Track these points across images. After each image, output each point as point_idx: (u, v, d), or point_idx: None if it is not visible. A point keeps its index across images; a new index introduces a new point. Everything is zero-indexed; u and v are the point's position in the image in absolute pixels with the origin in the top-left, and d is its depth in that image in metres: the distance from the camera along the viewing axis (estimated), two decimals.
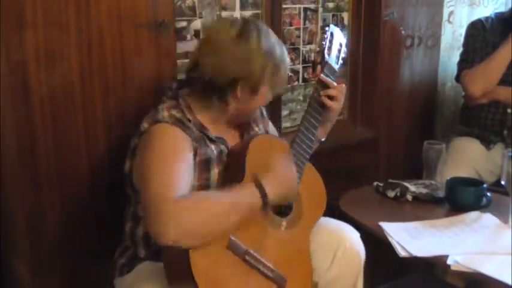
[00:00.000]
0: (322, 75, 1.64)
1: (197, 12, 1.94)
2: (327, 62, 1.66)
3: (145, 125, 1.48)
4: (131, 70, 1.70)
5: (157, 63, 1.76)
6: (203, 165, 1.48)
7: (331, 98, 1.63)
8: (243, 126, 1.66)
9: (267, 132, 1.74)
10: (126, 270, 1.55)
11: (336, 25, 2.39)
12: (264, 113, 1.77)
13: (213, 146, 1.51)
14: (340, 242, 1.63)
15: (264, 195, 1.40)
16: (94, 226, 1.70)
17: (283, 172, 1.47)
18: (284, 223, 1.53)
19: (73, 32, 1.57)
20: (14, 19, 1.48)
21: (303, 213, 1.58)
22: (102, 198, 1.71)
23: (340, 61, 1.73)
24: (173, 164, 1.38)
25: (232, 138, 1.60)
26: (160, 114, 1.47)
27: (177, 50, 1.85)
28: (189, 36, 1.94)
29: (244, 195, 1.39)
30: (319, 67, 1.70)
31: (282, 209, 1.54)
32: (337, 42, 1.72)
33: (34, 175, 1.58)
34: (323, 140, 1.76)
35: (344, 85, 1.68)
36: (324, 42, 1.68)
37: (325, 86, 1.63)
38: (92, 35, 1.61)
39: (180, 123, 1.46)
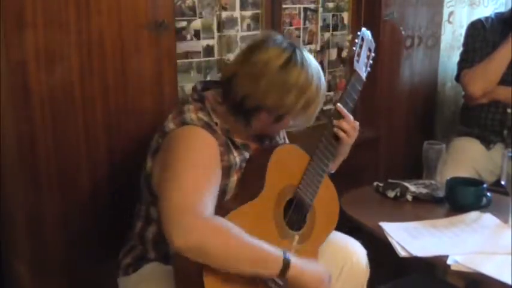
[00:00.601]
0: (339, 104, 1.59)
1: (197, 12, 1.94)
2: (355, 71, 1.62)
3: (171, 125, 1.44)
4: (131, 70, 1.70)
5: (157, 63, 1.76)
6: (224, 172, 1.44)
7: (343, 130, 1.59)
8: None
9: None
10: (131, 269, 1.54)
11: (336, 25, 2.40)
12: None
13: (235, 153, 1.49)
14: (347, 258, 1.62)
15: (285, 267, 1.32)
16: (94, 226, 1.70)
17: (314, 269, 1.41)
18: (297, 237, 1.52)
19: (73, 32, 1.57)
20: (14, 19, 1.48)
21: (315, 227, 1.57)
22: (102, 198, 1.71)
23: (368, 69, 1.68)
24: (203, 172, 1.35)
25: (255, 146, 1.58)
26: (187, 115, 1.43)
27: (177, 50, 1.85)
28: (189, 36, 1.94)
29: (268, 254, 1.32)
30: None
31: (296, 223, 1.53)
32: (367, 48, 1.66)
33: (34, 175, 1.58)
34: (332, 172, 1.74)
35: (357, 123, 1.63)
36: (354, 48, 1.61)
37: (340, 116, 1.59)
38: (92, 35, 1.61)
39: (208, 126, 1.43)
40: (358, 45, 1.63)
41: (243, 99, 1.45)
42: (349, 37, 1.63)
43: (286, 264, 1.32)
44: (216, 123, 1.46)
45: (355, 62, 1.62)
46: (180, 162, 1.35)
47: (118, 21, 1.65)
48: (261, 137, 1.61)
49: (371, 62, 1.70)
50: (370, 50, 1.69)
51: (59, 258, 1.66)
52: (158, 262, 1.52)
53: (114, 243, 1.63)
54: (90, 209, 1.69)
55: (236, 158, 1.49)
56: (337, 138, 1.60)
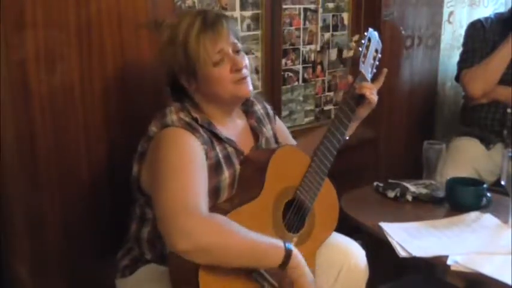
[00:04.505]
0: (361, 68, 1.58)
1: None
2: (360, 72, 1.59)
3: (154, 129, 1.44)
4: (131, 70, 1.70)
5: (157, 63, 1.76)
6: (213, 169, 1.45)
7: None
8: (254, 126, 1.64)
9: (274, 134, 1.71)
10: (128, 271, 1.54)
11: (336, 25, 2.40)
12: (270, 112, 1.73)
13: (218, 148, 1.48)
14: (345, 259, 1.61)
15: (287, 257, 1.33)
16: (94, 226, 1.70)
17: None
18: (295, 239, 1.51)
19: (73, 32, 1.57)
20: (14, 19, 1.48)
21: (314, 230, 1.56)
22: (102, 199, 1.71)
23: (374, 70, 1.65)
24: (190, 172, 1.35)
25: (245, 141, 1.58)
26: (168, 117, 1.43)
27: None
28: None
29: (269, 246, 1.33)
30: (350, 77, 1.60)
31: (295, 225, 1.52)
32: (373, 49, 1.63)
33: (34, 175, 1.58)
34: (347, 138, 1.70)
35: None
36: (360, 48, 1.58)
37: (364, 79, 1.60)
38: (92, 35, 1.61)
39: (189, 126, 1.43)
40: (364, 46, 1.59)
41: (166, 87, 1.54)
42: (356, 37, 1.58)
43: (288, 253, 1.33)
44: (197, 119, 1.46)
45: (360, 63, 1.58)
46: (165, 166, 1.36)
47: (118, 21, 1.65)
48: (252, 129, 1.62)
49: (377, 63, 1.67)
50: (376, 51, 1.65)
51: (59, 258, 1.66)
52: (155, 263, 1.52)
53: (114, 243, 1.63)
54: (90, 209, 1.69)
55: (219, 153, 1.48)
56: (359, 103, 1.60)
